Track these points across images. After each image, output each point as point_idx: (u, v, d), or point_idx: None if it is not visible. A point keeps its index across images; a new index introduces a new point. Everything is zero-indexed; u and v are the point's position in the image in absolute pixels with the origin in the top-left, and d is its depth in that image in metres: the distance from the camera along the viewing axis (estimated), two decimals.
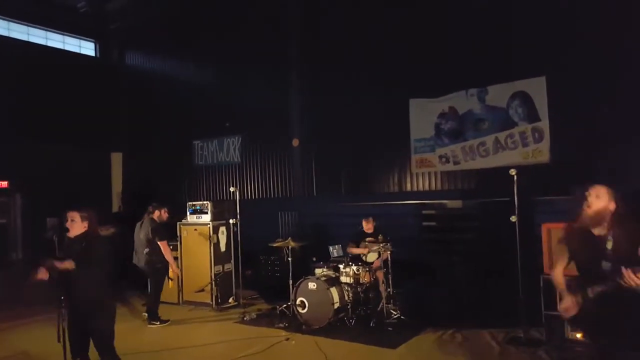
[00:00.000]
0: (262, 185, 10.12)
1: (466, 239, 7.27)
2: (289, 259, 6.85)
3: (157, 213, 6.95)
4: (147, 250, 6.67)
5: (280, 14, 9.62)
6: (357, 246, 6.91)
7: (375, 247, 6.54)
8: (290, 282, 6.58)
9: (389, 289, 6.54)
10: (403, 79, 8.06)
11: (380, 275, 6.62)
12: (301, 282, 6.39)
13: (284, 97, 9.54)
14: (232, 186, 8.25)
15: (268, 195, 10.01)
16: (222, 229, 7.92)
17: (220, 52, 10.60)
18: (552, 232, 5.19)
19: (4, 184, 10.23)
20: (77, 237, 3.93)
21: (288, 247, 6.91)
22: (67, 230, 3.93)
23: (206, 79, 11.08)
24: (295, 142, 9.36)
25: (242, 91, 10.17)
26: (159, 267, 6.74)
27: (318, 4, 9.25)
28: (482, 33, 7.26)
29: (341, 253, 7.19)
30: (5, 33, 11.13)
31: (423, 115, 7.96)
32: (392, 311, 6.38)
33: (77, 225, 3.89)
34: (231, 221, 7.84)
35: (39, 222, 10.08)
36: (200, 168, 11.21)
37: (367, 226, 6.98)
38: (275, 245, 7.35)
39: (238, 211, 7.75)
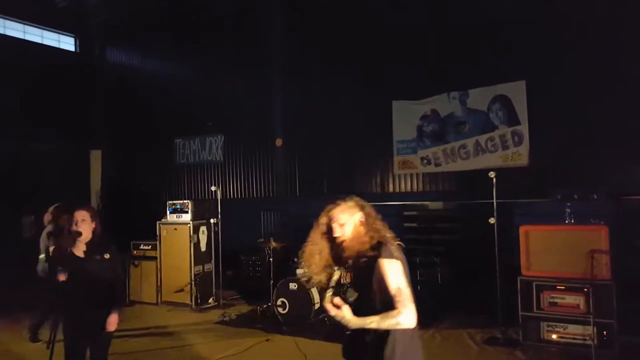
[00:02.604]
0: (245, 185, 10.05)
1: (446, 240, 7.35)
2: (270, 259, 6.82)
3: (64, 217, 6.42)
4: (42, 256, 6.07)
5: (263, 14, 9.57)
6: None
7: None
8: (271, 282, 6.56)
9: None
10: (386, 81, 8.10)
11: None
12: (282, 282, 6.37)
13: (266, 97, 9.50)
14: (214, 185, 8.17)
15: (250, 195, 9.95)
16: (203, 228, 7.84)
17: (203, 50, 10.50)
18: (529, 234, 5.29)
19: None
20: (87, 242, 3.53)
21: (269, 248, 6.88)
22: (75, 233, 3.48)
23: (188, 77, 10.96)
24: (279, 142, 9.33)
25: (225, 90, 10.09)
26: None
27: (301, 4, 9.23)
28: (464, 37, 7.34)
29: None
30: None
31: (405, 117, 8.02)
32: None
33: (87, 226, 3.52)
34: (212, 221, 7.76)
35: (15, 220, 9.84)
36: (181, 167, 11.08)
37: None
38: (256, 245, 7.31)
39: (219, 211, 7.68)
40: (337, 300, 2.24)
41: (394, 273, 2.24)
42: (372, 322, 2.19)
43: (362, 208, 2.44)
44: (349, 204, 2.45)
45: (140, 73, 11.94)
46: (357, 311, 2.24)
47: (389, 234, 2.40)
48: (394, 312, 2.16)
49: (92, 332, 3.48)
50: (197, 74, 10.80)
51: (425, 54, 7.68)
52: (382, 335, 2.23)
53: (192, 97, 10.70)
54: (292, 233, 8.53)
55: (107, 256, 3.56)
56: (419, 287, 7.11)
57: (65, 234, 3.59)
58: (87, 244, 3.53)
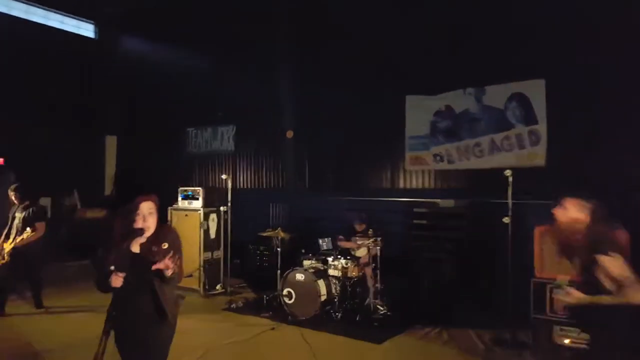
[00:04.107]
0: (255, 176, 10.06)
1: (456, 238, 7.23)
2: (278, 249, 6.81)
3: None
4: None
5: (277, 7, 9.50)
6: (347, 240, 6.88)
7: (365, 243, 6.51)
8: (278, 272, 6.55)
9: (376, 285, 6.51)
10: (400, 75, 7.99)
11: (368, 270, 6.59)
12: (289, 272, 6.35)
13: (279, 88, 9.44)
14: (225, 174, 8.19)
15: (260, 186, 9.96)
16: (213, 216, 7.86)
17: (217, 40, 10.47)
18: (544, 236, 5.18)
19: (1, 160, 10.06)
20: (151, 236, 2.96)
21: (278, 238, 6.88)
22: (140, 231, 2.89)
23: (202, 67, 10.94)
24: (290, 134, 9.30)
25: (237, 80, 10.05)
26: None
27: None
28: (483, 32, 7.21)
29: (330, 246, 7.14)
30: (5, 10, 10.96)
31: (419, 113, 7.91)
32: (378, 307, 6.35)
33: (154, 220, 2.96)
34: (222, 209, 7.78)
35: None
36: (193, 155, 11.13)
37: (359, 224, 6.96)
38: (265, 235, 7.31)
39: (229, 199, 7.69)
40: (569, 289, 2.99)
41: (618, 265, 2.82)
42: (602, 299, 2.82)
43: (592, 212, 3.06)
44: (581, 202, 3.09)
45: (155, 61, 11.94)
46: (586, 293, 2.91)
47: (610, 233, 3.01)
48: (622, 292, 2.76)
49: (148, 340, 3.01)
50: (211, 64, 10.78)
51: (441, 48, 7.55)
52: (603, 307, 2.83)
53: (205, 87, 10.72)
54: (300, 225, 8.52)
55: (165, 245, 2.94)
56: (426, 285, 7.05)
57: (123, 230, 2.92)
58: (147, 237, 2.95)
